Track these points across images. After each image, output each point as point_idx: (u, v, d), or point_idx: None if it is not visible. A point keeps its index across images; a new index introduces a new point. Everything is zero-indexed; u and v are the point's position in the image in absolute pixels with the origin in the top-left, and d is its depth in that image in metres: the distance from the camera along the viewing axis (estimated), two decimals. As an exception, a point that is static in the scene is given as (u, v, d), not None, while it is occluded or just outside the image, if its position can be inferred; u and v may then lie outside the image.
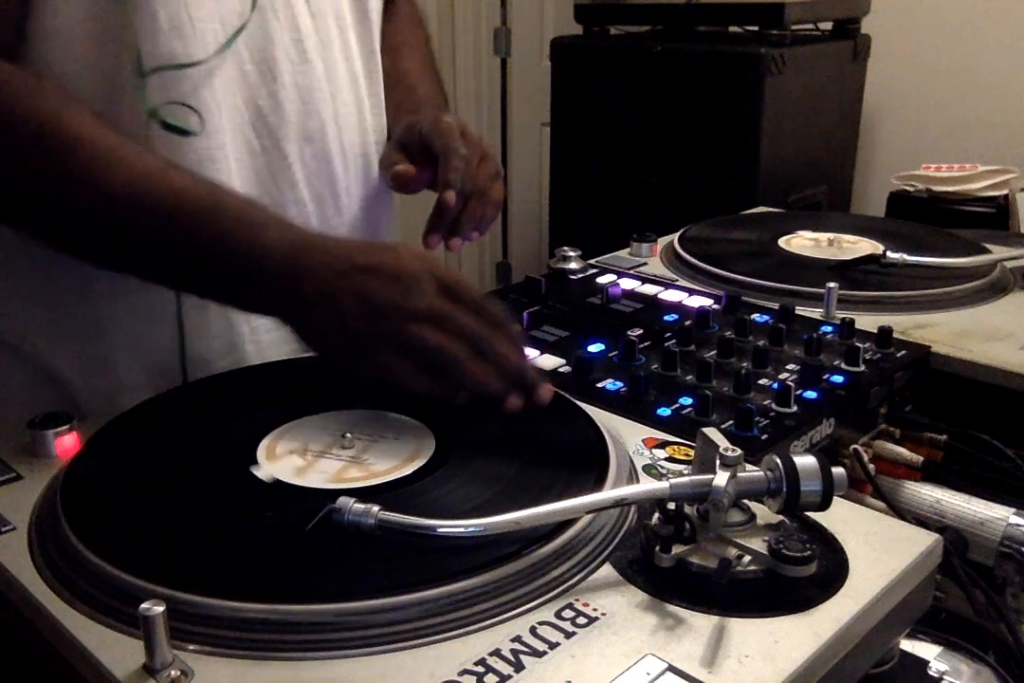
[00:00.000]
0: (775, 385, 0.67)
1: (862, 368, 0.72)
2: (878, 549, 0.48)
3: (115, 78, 0.65)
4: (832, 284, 0.82)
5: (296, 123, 0.75)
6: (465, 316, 0.57)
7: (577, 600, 0.44)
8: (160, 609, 0.38)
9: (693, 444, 0.51)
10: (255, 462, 0.55)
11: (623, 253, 1.04)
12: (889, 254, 0.91)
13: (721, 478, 0.45)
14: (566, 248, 0.98)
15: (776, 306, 0.82)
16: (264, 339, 0.78)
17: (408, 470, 0.54)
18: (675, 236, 1.05)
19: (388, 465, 0.54)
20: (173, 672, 0.39)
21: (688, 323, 0.80)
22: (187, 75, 0.66)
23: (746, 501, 0.48)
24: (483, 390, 0.57)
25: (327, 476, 0.53)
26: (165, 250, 0.60)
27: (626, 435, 0.60)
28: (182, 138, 0.67)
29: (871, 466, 0.69)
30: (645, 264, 1.00)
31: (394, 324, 0.56)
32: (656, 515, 0.48)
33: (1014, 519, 0.63)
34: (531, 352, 0.74)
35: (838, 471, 0.46)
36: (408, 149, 0.81)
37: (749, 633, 0.42)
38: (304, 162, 0.76)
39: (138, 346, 0.73)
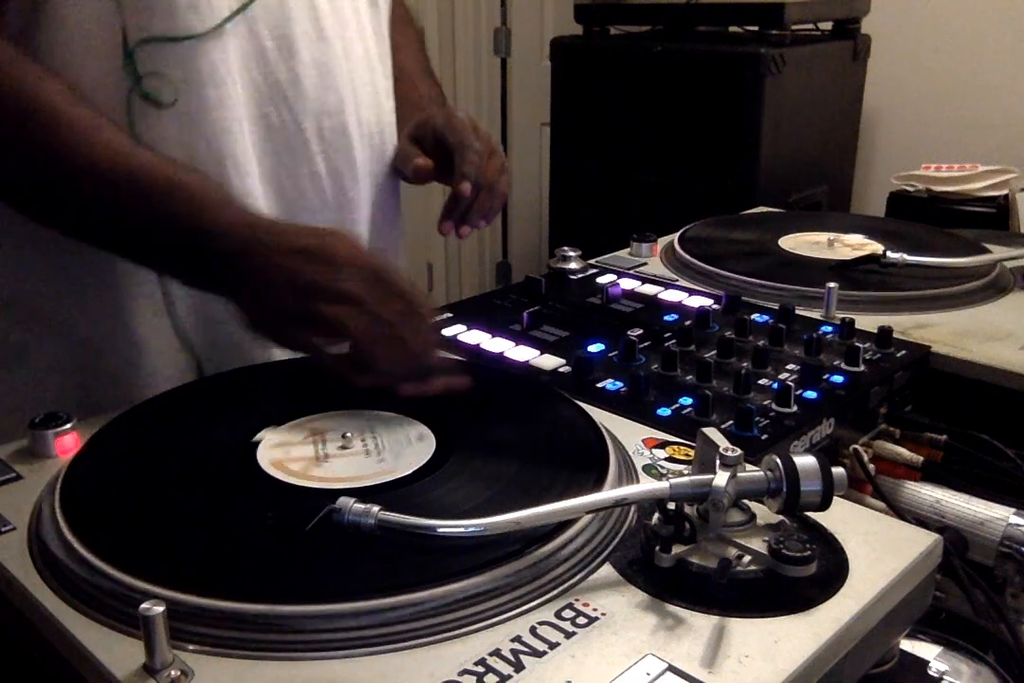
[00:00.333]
0: (775, 385, 0.67)
1: (862, 368, 0.72)
2: (878, 549, 0.48)
3: (105, 48, 0.67)
4: (832, 284, 0.82)
5: (314, 98, 0.77)
6: (382, 303, 0.60)
7: (577, 600, 0.44)
8: (160, 609, 0.38)
9: (693, 444, 0.51)
10: (255, 462, 0.55)
11: (623, 253, 1.04)
12: (889, 254, 0.91)
13: (721, 478, 0.45)
14: (566, 248, 0.98)
15: (776, 306, 0.82)
16: None
17: (408, 470, 0.54)
18: (675, 236, 1.05)
19: (388, 465, 0.54)
20: (173, 672, 0.39)
21: (688, 323, 0.80)
22: (181, 47, 0.68)
23: (746, 501, 0.48)
24: (381, 373, 0.60)
25: (327, 476, 0.53)
26: (124, 225, 0.64)
27: (626, 435, 0.60)
28: (199, 111, 0.70)
29: (871, 466, 0.69)
30: (645, 264, 1.00)
31: (315, 303, 0.60)
32: (656, 515, 0.48)
33: (1014, 519, 0.63)
34: (531, 352, 0.74)
35: (838, 471, 0.46)
36: (422, 143, 0.85)
37: (749, 633, 0.42)
38: (322, 136, 0.79)
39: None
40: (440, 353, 0.64)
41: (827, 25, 2.12)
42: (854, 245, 1.00)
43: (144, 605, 0.38)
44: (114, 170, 0.62)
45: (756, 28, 1.92)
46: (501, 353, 0.75)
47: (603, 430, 0.58)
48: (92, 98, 0.65)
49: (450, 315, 0.83)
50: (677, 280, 0.94)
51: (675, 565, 0.45)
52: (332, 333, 0.61)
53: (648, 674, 0.40)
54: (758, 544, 0.46)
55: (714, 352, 0.74)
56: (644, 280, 0.93)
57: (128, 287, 0.73)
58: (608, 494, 0.47)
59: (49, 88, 0.62)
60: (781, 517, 0.48)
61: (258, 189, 0.75)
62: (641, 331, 0.78)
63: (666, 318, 0.82)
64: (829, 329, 0.79)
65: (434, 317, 0.64)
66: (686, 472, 0.53)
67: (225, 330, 0.75)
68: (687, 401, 0.66)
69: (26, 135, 0.62)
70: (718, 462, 0.46)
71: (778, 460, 0.46)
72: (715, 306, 0.84)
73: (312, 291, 0.60)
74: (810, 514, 0.49)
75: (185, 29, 0.68)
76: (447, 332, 0.79)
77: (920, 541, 0.49)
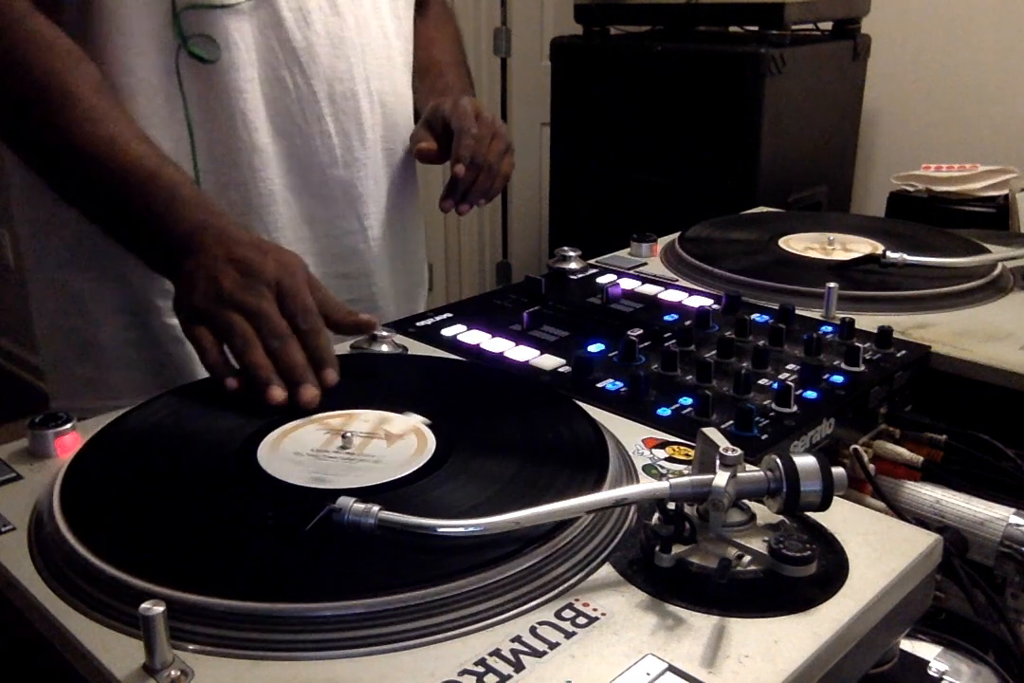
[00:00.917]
0: (775, 385, 0.67)
1: (862, 368, 0.72)
2: (878, 549, 0.48)
3: (155, 12, 0.77)
4: (832, 284, 0.82)
5: (327, 65, 0.86)
6: (274, 320, 0.65)
7: (577, 600, 0.44)
8: (160, 609, 0.38)
9: (693, 444, 0.51)
10: (256, 462, 0.55)
11: (623, 253, 1.04)
12: (889, 254, 0.90)
13: (721, 478, 0.45)
14: (566, 248, 0.98)
15: (776, 306, 0.82)
16: None
17: (408, 470, 0.54)
18: (675, 236, 1.05)
19: (388, 465, 0.54)
20: (173, 672, 0.39)
21: (688, 323, 0.80)
22: (221, 13, 0.79)
23: (746, 501, 0.48)
24: (253, 375, 0.63)
25: (327, 475, 0.53)
26: (105, 207, 0.74)
27: (626, 435, 0.60)
28: (211, 70, 0.80)
29: (871, 466, 0.69)
30: (645, 264, 1.00)
31: (221, 308, 0.65)
32: (656, 515, 0.48)
33: (1014, 519, 0.63)
34: (531, 352, 0.74)
35: (838, 471, 0.46)
36: (433, 127, 0.94)
37: (749, 633, 0.42)
38: (332, 99, 0.88)
39: None
40: (332, 367, 0.66)
41: (827, 25, 2.12)
42: (854, 245, 1.00)
43: (144, 605, 0.38)
44: (109, 161, 0.71)
45: (756, 28, 1.92)
46: (501, 353, 0.75)
47: (603, 430, 0.58)
48: (144, 57, 0.78)
49: (450, 315, 0.83)
50: (677, 280, 0.94)
51: (675, 565, 0.45)
52: (222, 335, 0.65)
53: (648, 674, 0.40)
54: (758, 544, 0.46)
55: (714, 352, 0.74)
56: (644, 280, 0.93)
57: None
58: (608, 494, 0.47)
59: (79, 74, 0.72)
60: (781, 517, 0.48)
61: (268, 144, 0.85)
62: (641, 331, 0.78)
63: (666, 318, 0.82)
64: (829, 329, 0.79)
65: (322, 336, 0.67)
66: (686, 472, 0.53)
67: None
68: (687, 401, 0.66)
69: (43, 113, 0.71)
70: (718, 462, 0.46)
71: (778, 460, 0.46)
72: (715, 306, 0.84)
73: (221, 298, 0.65)
74: (810, 514, 0.49)
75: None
76: (447, 332, 0.79)
77: (920, 541, 0.49)
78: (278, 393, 0.62)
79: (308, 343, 0.65)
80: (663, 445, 0.59)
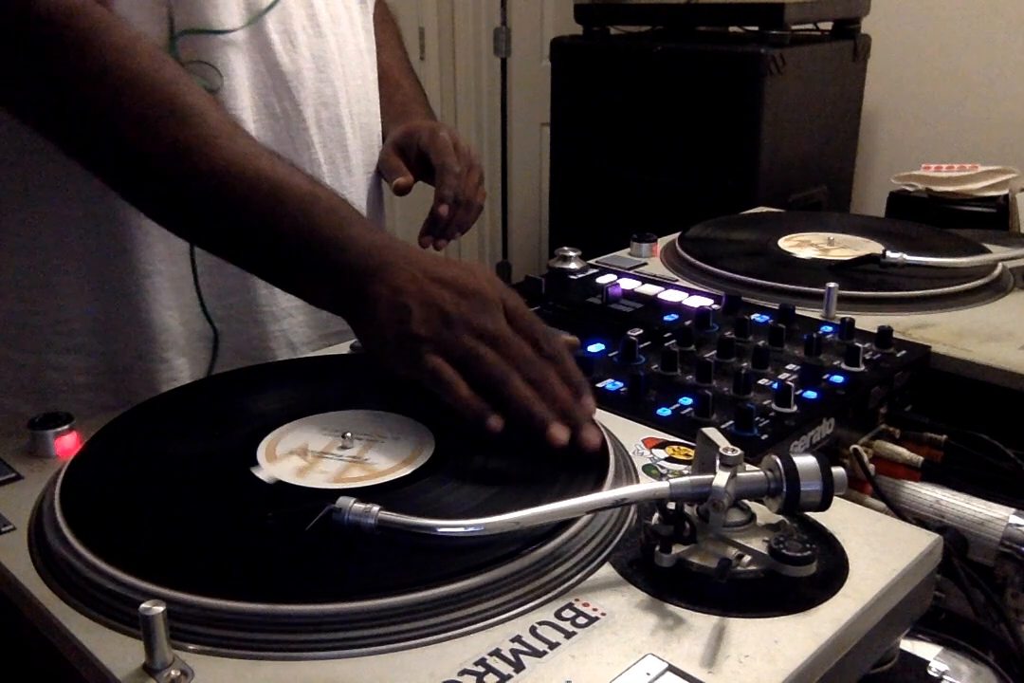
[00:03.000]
0: (775, 385, 0.67)
1: (862, 368, 0.72)
2: (878, 549, 0.48)
3: (152, 36, 0.68)
4: (832, 284, 0.82)
5: (313, 89, 0.81)
6: (524, 346, 0.58)
7: (577, 600, 0.44)
8: (160, 609, 0.38)
9: (693, 444, 0.51)
10: (255, 462, 0.55)
11: (623, 253, 1.04)
12: (889, 254, 0.91)
13: (721, 478, 0.45)
14: (566, 248, 0.98)
15: (776, 306, 0.82)
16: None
17: (408, 470, 0.54)
18: (675, 236, 1.05)
19: (388, 465, 0.54)
20: (173, 672, 0.39)
21: (688, 323, 0.80)
22: (216, 40, 0.73)
23: (746, 501, 0.48)
24: (527, 413, 0.55)
25: (327, 476, 0.53)
26: (249, 231, 0.62)
27: (626, 435, 0.60)
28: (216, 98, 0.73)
29: (871, 466, 0.69)
30: (645, 264, 1.00)
31: (456, 335, 0.57)
32: (656, 515, 0.48)
33: (1014, 519, 0.63)
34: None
35: (838, 471, 0.46)
36: (405, 153, 0.92)
37: (749, 633, 0.42)
38: (320, 125, 0.83)
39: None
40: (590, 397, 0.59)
41: (827, 25, 2.12)
42: (854, 245, 1.00)
43: (144, 605, 0.38)
44: (257, 178, 0.61)
45: (756, 28, 1.92)
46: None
47: (603, 430, 0.58)
48: None
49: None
50: (677, 280, 0.94)
51: (675, 565, 0.45)
52: (470, 366, 0.57)
53: (648, 674, 0.40)
54: (758, 544, 0.46)
55: (714, 352, 0.74)
56: (644, 280, 0.93)
57: (155, 257, 0.76)
58: (608, 494, 0.47)
59: (192, 88, 0.63)
60: (781, 517, 0.48)
61: None
62: (641, 331, 0.78)
63: (666, 318, 0.82)
64: (829, 329, 0.79)
65: (571, 360, 0.60)
66: (686, 472, 0.53)
67: (240, 300, 0.80)
68: (687, 401, 0.66)
69: (169, 132, 0.60)
70: (718, 462, 0.46)
71: (778, 460, 0.46)
72: (715, 306, 0.84)
73: (454, 324, 0.57)
74: (810, 514, 0.49)
75: (219, 24, 0.73)
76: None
77: (920, 541, 0.49)
78: (562, 434, 0.54)
79: (560, 369, 0.58)
80: (663, 445, 0.59)
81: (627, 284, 0.92)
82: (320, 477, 0.53)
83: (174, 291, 0.78)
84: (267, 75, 0.78)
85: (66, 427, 0.58)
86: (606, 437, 0.57)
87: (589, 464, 0.54)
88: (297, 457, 0.55)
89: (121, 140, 0.61)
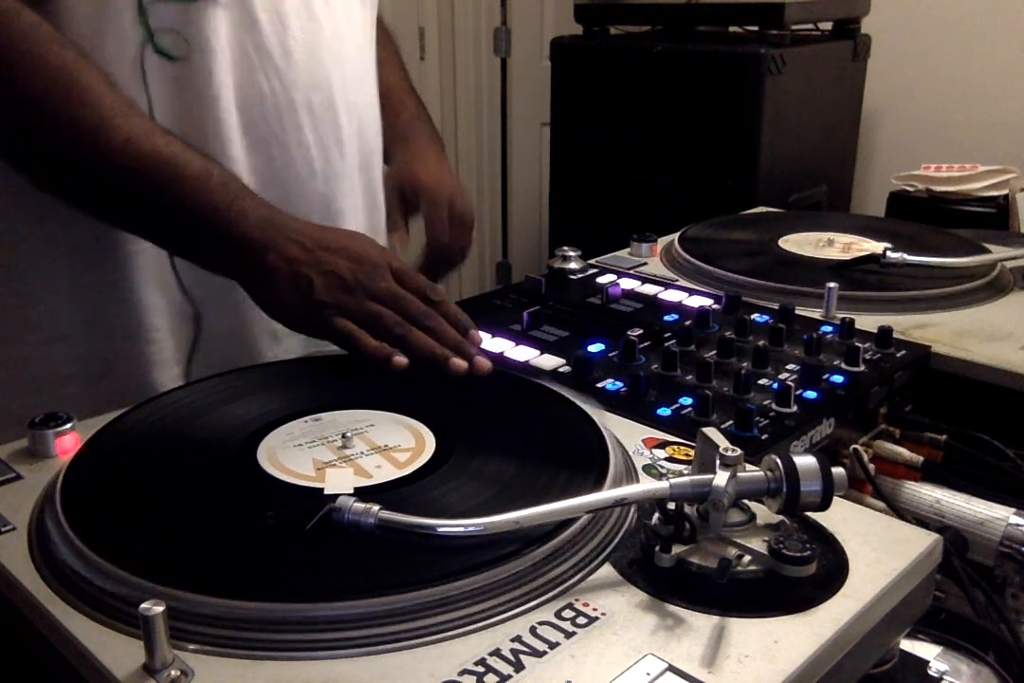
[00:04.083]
0: (775, 385, 0.67)
1: (862, 368, 0.72)
2: (878, 549, 0.48)
3: (120, 4, 0.70)
4: (832, 284, 0.82)
5: (305, 71, 0.81)
6: (415, 300, 0.67)
7: (577, 600, 0.44)
8: (160, 609, 0.38)
9: (693, 444, 0.51)
10: (255, 462, 0.55)
11: (623, 253, 1.04)
12: (889, 254, 0.90)
13: (721, 478, 0.45)
14: (566, 248, 0.98)
15: (776, 306, 0.82)
16: None
17: (408, 470, 0.54)
18: (675, 236, 1.05)
19: (388, 465, 0.54)
20: (173, 672, 0.39)
21: (688, 323, 0.80)
22: (193, 14, 0.72)
23: (746, 501, 0.48)
24: (429, 354, 0.65)
25: (328, 475, 0.53)
26: (148, 206, 0.67)
27: (626, 435, 0.60)
28: (181, 73, 0.73)
29: (871, 466, 0.69)
30: (645, 264, 1.00)
31: (357, 299, 0.66)
32: (656, 515, 0.48)
33: (1014, 519, 0.63)
34: (531, 352, 0.74)
35: (838, 471, 0.46)
36: (405, 196, 0.95)
37: (749, 633, 0.42)
38: (310, 108, 0.82)
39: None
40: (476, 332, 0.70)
41: (827, 25, 2.12)
42: (854, 245, 1.00)
43: (144, 605, 0.38)
44: (151, 156, 0.65)
45: (756, 28, 1.92)
46: (501, 353, 0.75)
47: (603, 430, 0.58)
48: (107, 51, 0.70)
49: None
50: (677, 280, 0.94)
51: (675, 565, 0.45)
52: (372, 325, 0.65)
53: (648, 674, 0.40)
54: (758, 544, 0.46)
55: (714, 352, 0.74)
56: (644, 280, 0.93)
57: (130, 246, 0.76)
58: (608, 494, 0.47)
59: (90, 70, 0.65)
60: (781, 517, 0.48)
61: (241, 155, 0.78)
62: (641, 331, 0.78)
63: (666, 318, 0.82)
64: (829, 329, 0.79)
65: (451, 305, 0.71)
66: (686, 472, 0.53)
67: (218, 282, 0.78)
68: (687, 401, 0.66)
69: (66, 111, 0.63)
70: (718, 462, 0.46)
71: (778, 460, 0.46)
72: (715, 306, 0.84)
73: (352, 289, 0.65)
74: (810, 514, 0.49)
75: None
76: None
77: (920, 541, 0.49)
78: (461, 363, 0.65)
79: (445, 313, 0.68)
80: (663, 445, 0.59)
81: (627, 284, 0.92)
82: (320, 477, 0.53)
83: (156, 270, 0.77)
84: (253, 54, 0.77)
85: (66, 427, 0.58)
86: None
87: (589, 464, 0.54)
88: (298, 457, 0.55)
89: (21, 121, 0.65)
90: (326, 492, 0.51)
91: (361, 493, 0.48)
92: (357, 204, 0.91)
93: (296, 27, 0.79)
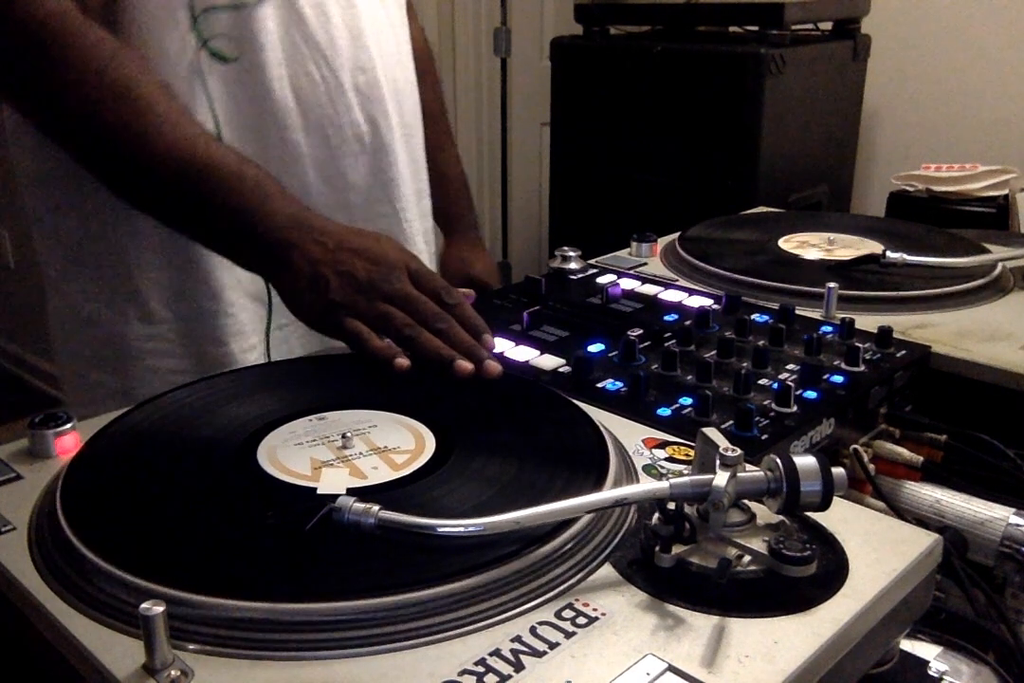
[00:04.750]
0: (775, 385, 0.67)
1: (862, 368, 0.72)
2: (878, 549, 0.48)
3: (176, 16, 0.78)
4: (832, 284, 0.82)
5: (349, 56, 0.88)
6: (428, 302, 0.68)
7: (577, 600, 0.44)
8: (160, 609, 0.38)
9: (693, 444, 0.51)
10: (256, 462, 0.55)
11: (623, 253, 1.04)
12: (889, 254, 0.90)
13: (721, 478, 0.45)
14: (566, 248, 0.98)
15: (776, 306, 0.82)
16: None
17: (408, 470, 0.54)
18: (675, 236, 1.05)
19: (389, 465, 0.54)
20: (173, 672, 0.39)
21: (688, 323, 0.80)
22: (243, 17, 0.80)
23: (746, 501, 0.48)
24: (436, 356, 0.65)
25: (327, 475, 0.53)
26: (185, 208, 0.72)
27: (626, 435, 0.60)
28: (237, 71, 0.81)
29: (871, 466, 0.69)
30: (645, 264, 1.00)
31: (370, 300, 0.67)
32: (656, 515, 0.48)
33: (1014, 519, 0.63)
34: (531, 352, 0.74)
35: (838, 471, 0.46)
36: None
37: (749, 633, 0.42)
38: (357, 89, 0.90)
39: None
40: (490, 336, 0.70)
41: (827, 25, 2.12)
42: (854, 245, 1.00)
43: (144, 605, 0.38)
44: (192, 160, 0.70)
45: (756, 28, 1.92)
46: (501, 353, 0.75)
47: (603, 430, 0.58)
48: (167, 58, 0.78)
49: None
50: (677, 280, 0.94)
51: (675, 565, 0.45)
52: (382, 326, 0.66)
53: (648, 674, 0.40)
54: (758, 544, 0.46)
55: (714, 352, 0.74)
56: (644, 280, 0.93)
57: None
58: (608, 494, 0.47)
59: (147, 81, 0.72)
60: (781, 517, 0.48)
61: (300, 139, 0.86)
62: (641, 331, 0.78)
63: (666, 318, 0.82)
64: (829, 329, 0.79)
65: (469, 308, 0.71)
66: (686, 472, 0.53)
67: None
68: (687, 401, 0.66)
69: (121, 119, 0.70)
70: (718, 462, 0.46)
71: (778, 460, 0.46)
72: (715, 306, 0.84)
73: (365, 289, 0.67)
74: (810, 514, 0.49)
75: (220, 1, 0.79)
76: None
77: (920, 541, 0.49)
78: (467, 365, 0.64)
79: (460, 316, 0.69)
80: (663, 445, 0.59)
81: (627, 284, 0.92)
82: (320, 476, 0.53)
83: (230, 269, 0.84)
84: (303, 46, 0.85)
85: (66, 427, 0.58)
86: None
87: (589, 464, 0.54)
88: (297, 456, 0.55)
89: (84, 126, 0.71)
90: (319, 492, 0.51)
91: (353, 494, 0.48)
92: (404, 171, 0.98)
93: (337, 14, 0.87)
